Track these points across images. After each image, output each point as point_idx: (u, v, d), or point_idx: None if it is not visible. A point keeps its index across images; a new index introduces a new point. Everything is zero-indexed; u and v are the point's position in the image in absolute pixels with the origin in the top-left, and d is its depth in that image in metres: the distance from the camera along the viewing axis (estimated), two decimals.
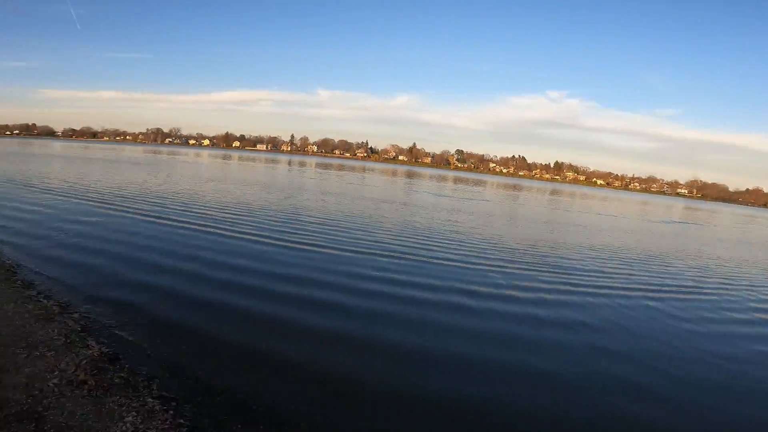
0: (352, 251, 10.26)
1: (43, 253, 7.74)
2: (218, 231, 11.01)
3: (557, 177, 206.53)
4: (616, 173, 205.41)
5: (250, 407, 3.95)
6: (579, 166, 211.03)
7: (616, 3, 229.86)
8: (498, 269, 10.15)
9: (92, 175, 23.91)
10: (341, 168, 78.57)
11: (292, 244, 10.30)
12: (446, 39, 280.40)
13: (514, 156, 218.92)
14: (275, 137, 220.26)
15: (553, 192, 71.15)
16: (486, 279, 9.25)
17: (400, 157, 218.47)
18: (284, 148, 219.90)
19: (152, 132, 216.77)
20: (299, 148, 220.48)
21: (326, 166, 79.27)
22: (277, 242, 10.43)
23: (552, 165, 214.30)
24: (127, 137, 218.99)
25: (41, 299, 5.51)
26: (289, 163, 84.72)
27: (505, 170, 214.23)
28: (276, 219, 13.69)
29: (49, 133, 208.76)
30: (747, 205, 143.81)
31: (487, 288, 8.57)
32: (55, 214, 11.39)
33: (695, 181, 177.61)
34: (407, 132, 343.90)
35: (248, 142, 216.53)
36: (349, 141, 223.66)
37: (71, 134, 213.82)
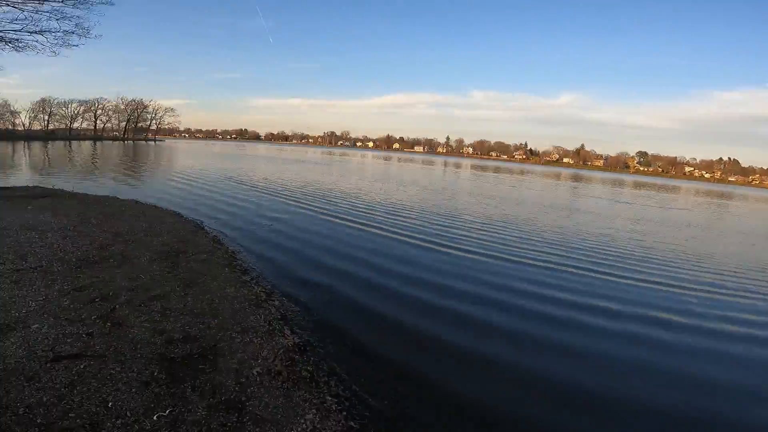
0: (512, 260, 9.31)
1: (252, 242, 9.16)
2: (386, 233, 11.40)
3: None
4: None
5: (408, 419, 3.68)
6: None
7: None
8: (701, 293, 7.82)
9: (285, 174, 28.44)
10: (498, 170, 75.45)
11: (451, 250, 9.94)
12: (615, 35, 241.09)
13: (722, 158, 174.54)
14: (431, 139, 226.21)
15: None
16: (684, 306, 7.20)
17: (565, 160, 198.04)
18: (440, 149, 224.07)
19: (328, 135, 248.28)
20: (454, 149, 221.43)
21: (482, 168, 77.30)
22: (437, 247, 10.20)
23: None
24: (309, 140, 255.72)
25: (253, 285, 6.37)
26: (445, 164, 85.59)
27: (707, 175, 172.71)
28: (435, 222, 13.56)
29: (255, 137, 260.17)
30: None
31: (686, 318, 6.64)
32: (256, 208, 13.60)
33: None
34: (572, 132, 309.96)
35: (406, 144, 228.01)
36: (506, 143, 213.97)
37: (270, 137, 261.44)
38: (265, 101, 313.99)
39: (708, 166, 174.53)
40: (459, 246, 10.39)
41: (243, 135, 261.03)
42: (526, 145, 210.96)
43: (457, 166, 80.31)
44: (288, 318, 5.54)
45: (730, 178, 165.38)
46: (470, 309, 6.46)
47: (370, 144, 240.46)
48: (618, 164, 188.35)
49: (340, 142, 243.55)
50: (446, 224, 13.26)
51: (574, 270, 9.14)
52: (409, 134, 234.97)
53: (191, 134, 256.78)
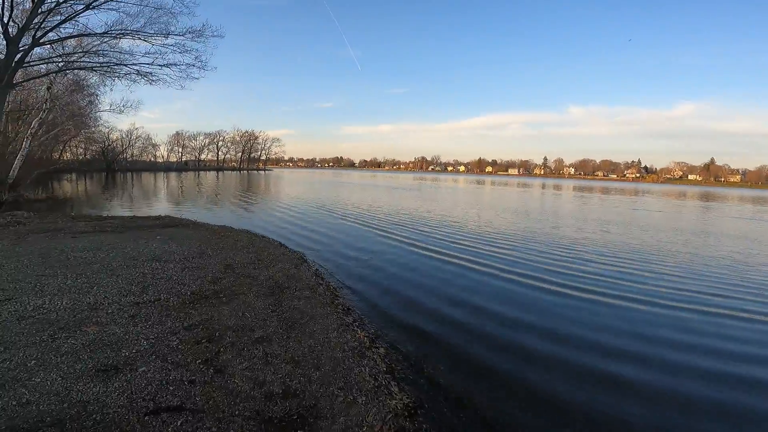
0: (657, 303, 7.44)
1: (351, 278, 8.76)
2: (498, 272, 10.23)
3: None
4: None
5: None
6: None
7: None
8: None
9: (379, 202, 28.71)
10: (606, 191, 67.95)
11: (578, 292, 8.39)
12: (732, 36, 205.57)
13: None
14: (527, 160, 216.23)
15: None
16: None
17: (691, 176, 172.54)
18: (537, 171, 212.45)
19: (418, 160, 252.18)
20: (553, 170, 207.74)
21: (588, 189, 70.42)
22: (558, 288, 8.73)
23: None
24: (401, 165, 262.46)
25: (356, 328, 5.84)
26: (543, 186, 79.96)
27: None
28: (548, 255, 11.93)
29: (350, 164, 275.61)
30: None
31: None
32: (355, 241, 13.42)
33: None
34: (696, 146, 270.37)
35: (500, 167, 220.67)
36: (614, 161, 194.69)
37: (364, 164, 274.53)
38: (356, 129, 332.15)
39: None
40: (588, 287, 8.79)
41: (339, 163, 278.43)
42: (639, 162, 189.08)
43: (557, 187, 74.38)
44: (395, 371, 4.83)
45: None
46: (624, 370, 5.07)
47: (462, 168, 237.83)
48: (759, 179, 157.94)
49: (431, 167, 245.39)
50: (566, 258, 11.58)
51: (747, 315, 7.00)
52: (502, 156, 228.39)
53: (294, 163, 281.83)
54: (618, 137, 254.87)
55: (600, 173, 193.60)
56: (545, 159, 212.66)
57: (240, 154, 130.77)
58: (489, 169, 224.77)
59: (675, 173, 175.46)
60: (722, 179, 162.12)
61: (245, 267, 8.41)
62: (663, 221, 23.21)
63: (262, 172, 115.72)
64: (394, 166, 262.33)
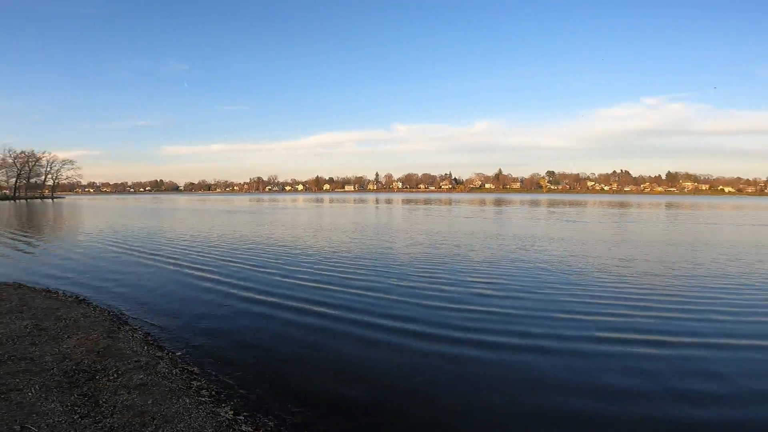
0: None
1: (207, 338, 6.97)
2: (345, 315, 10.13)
3: (672, 189, 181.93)
4: (747, 178, 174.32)
5: None
6: (698, 174, 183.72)
7: None
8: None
9: (221, 230, 25.86)
10: (428, 202, 77.71)
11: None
12: (520, 59, 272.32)
13: (615, 171, 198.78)
14: (361, 177, 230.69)
15: (673, 205, 61.08)
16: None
17: (487, 185, 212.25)
18: (371, 186, 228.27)
19: (254, 181, 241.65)
20: (384, 185, 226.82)
21: (414, 202, 79.19)
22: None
23: (664, 176, 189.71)
24: (235, 187, 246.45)
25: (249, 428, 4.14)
26: (377, 201, 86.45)
27: (606, 187, 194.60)
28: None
29: (173, 188, 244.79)
30: None
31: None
32: (184, 285, 11.56)
33: None
34: (492, 158, 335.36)
35: (337, 184, 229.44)
36: (432, 174, 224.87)
37: (191, 188, 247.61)
38: (182, 149, 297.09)
39: (605, 179, 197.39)
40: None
41: (159, 186, 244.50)
42: (450, 174, 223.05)
43: (389, 201, 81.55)
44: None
45: (625, 189, 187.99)
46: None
47: (300, 187, 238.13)
48: (532, 185, 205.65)
49: (267, 188, 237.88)
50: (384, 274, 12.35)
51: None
52: (339, 173, 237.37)
53: (97, 189, 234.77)
54: (434, 152, 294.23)
55: (422, 186, 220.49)
56: (377, 175, 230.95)
57: (15, 179, 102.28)
58: (327, 186, 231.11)
59: (476, 183, 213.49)
60: (508, 186, 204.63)
61: (15, 344, 5.95)
62: (463, 225, 27.65)
63: (49, 201, 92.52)
64: (227, 188, 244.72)
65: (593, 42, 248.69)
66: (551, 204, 67.99)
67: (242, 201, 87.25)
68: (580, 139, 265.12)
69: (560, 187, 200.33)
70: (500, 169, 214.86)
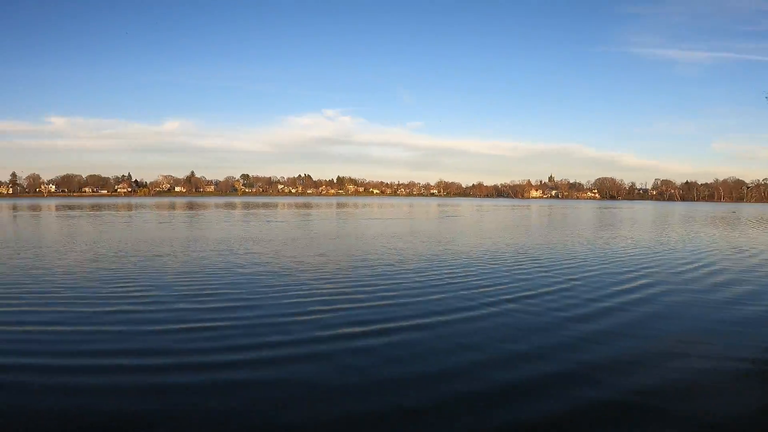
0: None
1: None
2: None
3: (341, 191, 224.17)
4: (386, 182, 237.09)
5: None
6: (358, 178, 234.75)
7: (377, 28, 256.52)
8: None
9: None
10: (97, 208, 63.51)
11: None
12: (217, 60, 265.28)
13: (300, 175, 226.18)
14: None
15: (342, 205, 76.47)
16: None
17: (177, 188, 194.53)
18: (1, 190, 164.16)
19: None
20: (27, 189, 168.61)
21: (71, 208, 62.63)
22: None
23: (335, 180, 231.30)
24: None
25: None
26: (14, 208, 63.06)
27: (293, 190, 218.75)
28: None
29: None
30: (476, 197, 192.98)
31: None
32: None
33: (441, 182, 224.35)
34: (182, 160, 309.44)
35: None
36: (103, 175, 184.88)
37: None
38: None
39: (292, 182, 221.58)
40: None
41: None
42: (130, 176, 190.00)
43: (35, 208, 60.95)
44: None
45: (308, 191, 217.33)
46: None
47: None
48: (227, 188, 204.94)
49: None
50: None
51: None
52: None
53: None
54: (107, 151, 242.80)
55: (88, 189, 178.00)
56: (13, 175, 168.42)
57: None
58: None
59: (164, 186, 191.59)
60: (201, 189, 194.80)
61: None
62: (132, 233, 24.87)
63: None
64: None
65: (285, 53, 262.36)
66: (247, 207, 70.13)
67: None
68: (273, 144, 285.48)
69: (254, 189, 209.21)
70: (193, 172, 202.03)
